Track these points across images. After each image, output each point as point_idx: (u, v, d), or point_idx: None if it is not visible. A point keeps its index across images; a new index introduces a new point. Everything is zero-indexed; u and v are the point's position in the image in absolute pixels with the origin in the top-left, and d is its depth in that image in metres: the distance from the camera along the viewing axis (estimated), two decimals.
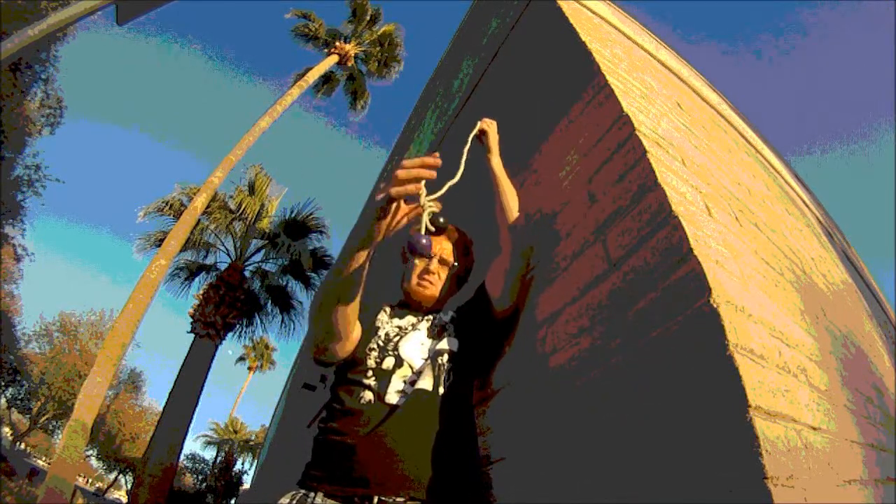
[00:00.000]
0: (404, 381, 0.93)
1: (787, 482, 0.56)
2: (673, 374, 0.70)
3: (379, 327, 1.04)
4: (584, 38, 1.38)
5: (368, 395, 0.90)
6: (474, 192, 1.66)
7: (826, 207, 3.83)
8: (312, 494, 0.81)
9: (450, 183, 0.85)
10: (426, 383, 0.92)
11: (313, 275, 10.48)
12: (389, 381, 0.92)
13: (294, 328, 10.78)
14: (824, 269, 1.81)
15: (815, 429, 0.70)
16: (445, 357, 0.97)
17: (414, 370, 0.95)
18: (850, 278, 2.35)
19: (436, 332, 1.04)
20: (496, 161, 1.19)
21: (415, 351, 0.99)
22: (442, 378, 0.94)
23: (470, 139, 1.10)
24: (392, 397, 0.90)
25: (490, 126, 1.19)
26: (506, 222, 1.11)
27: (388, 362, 0.96)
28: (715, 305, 0.67)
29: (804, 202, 2.81)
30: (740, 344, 0.65)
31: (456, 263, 1.18)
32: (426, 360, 0.97)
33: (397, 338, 1.01)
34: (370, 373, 0.94)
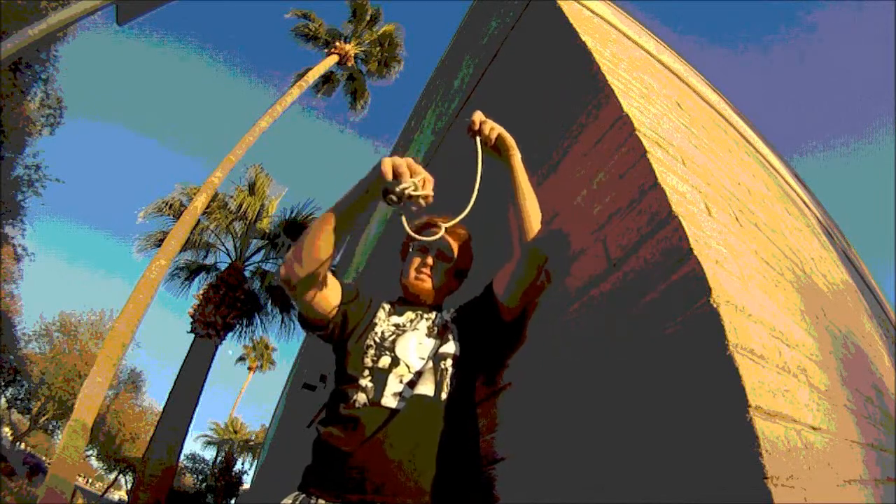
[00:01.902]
0: (401, 382, 0.91)
1: (787, 482, 0.56)
2: (673, 374, 0.70)
3: (376, 324, 1.03)
4: (584, 38, 1.38)
5: (362, 398, 0.89)
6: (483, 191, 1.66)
7: (826, 207, 3.83)
8: (314, 499, 0.80)
9: (467, 210, 0.92)
10: (427, 388, 0.90)
11: None
12: (385, 382, 0.91)
13: (294, 328, 10.78)
14: (824, 269, 1.81)
15: (815, 429, 0.70)
16: (449, 361, 0.95)
17: (411, 370, 0.93)
18: (850, 278, 2.35)
19: (437, 333, 1.03)
20: (518, 160, 1.08)
21: (412, 350, 0.97)
22: (445, 383, 0.92)
23: (479, 151, 1.02)
24: (389, 400, 0.88)
25: (491, 123, 1.07)
26: (521, 228, 1.04)
27: (385, 361, 0.95)
28: (715, 305, 0.67)
29: (804, 202, 2.81)
30: (740, 344, 0.65)
31: (455, 258, 1.17)
32: (427, 362, 0.95)
33: (394, 336, 1.00)
34: (366, 371, 0.93)
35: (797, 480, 0.58)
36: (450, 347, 0.98)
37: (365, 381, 0.92)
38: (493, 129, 1.05)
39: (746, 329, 0.70)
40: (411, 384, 0.91)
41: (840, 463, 0.72)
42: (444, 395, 0.91)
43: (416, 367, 0.94)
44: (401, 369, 0.93)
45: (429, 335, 1.02)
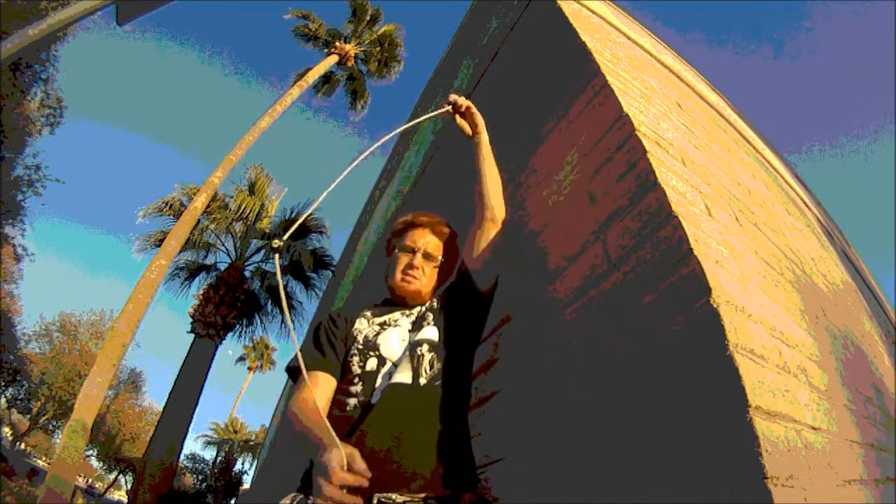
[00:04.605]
0: (388, 378, 0.92)
1: (787, 482, 0.56)
2: (673, 374, 0.70)
3: (357, 335, 1.02)
4: (584, 38, 1.38)
5: (353, 402, 0.90)
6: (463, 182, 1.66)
7: (826, 207, 3.83)
8: (312, 499, 0.81)
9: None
10: (404, 376, 0.90)
11: (313, 275, 10.48)
12: (375, 382, 0.92)
13: (294, 328, 10.79)
14: (824, 269, 1.81)
15: (815, 429, 0.70)
16: (425, 347, 0.95)
17: (392, 363, 0.94)
18: (850, 278, 2.35)
19: (419, 325, 1.03)
20: (486, 138, 1.17)
21: (395, 346, 0.97)
22: (422, 369, 0.91)
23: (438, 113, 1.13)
24: (377, 397, 0.89)
25: (462, 100, 1.15)
26: (485, 196, 1.11)
27: (371, 363, 0.95)
28: (715, 305, 0.67)
29: (804, 202, 2.81)
30: (740, 344, 0.65)
31: (441, 258, 1.17)
32: (404, 351, 0.95)
33: (376, 336, 1.00)
34: (356, 379, 0.93)
35: (797, 480, 0.58)
36: (425, 333, 0.98)
37: (356, 388, 0.92)
38: (465, 102, 1.16)
39: (746, 329, 0.70)
40: (390, 374, 0.92)
41: (840, 463, 0.72)
42: (423, 381, 0.90)
43: (395, 358, 0.95)
44: (387, 367, 0.94)
45: (412, 329, 1.02)
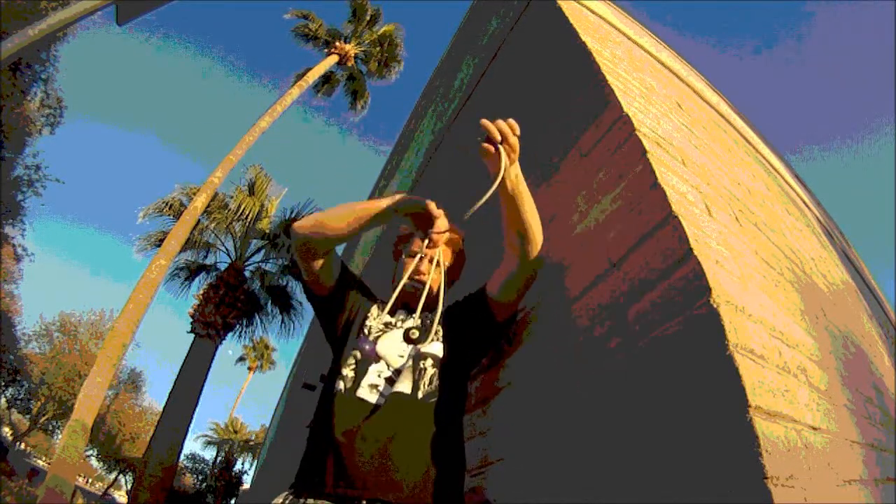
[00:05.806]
0: (379, 377, 0.93)
1: (787, 482, 0.56)
2: (673, 374, 0.70)
3: (366, 319, 1.06)
4: (584, 38, 1.38)
5: (340, 385, 0.93)
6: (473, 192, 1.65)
7: (826, 207, 3.83)
8: (303, 499, 0.82)
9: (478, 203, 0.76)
10: (405, 386, 0.92)
11: None
12: (365, 374, 0.94)
13: (294, 328, 10.78)
14: (824, 269, 1.81)
15: (815, 429, 0.70)
16: (429, 361, 0.96)
17: (390, 367, 0.95)
18: (850, 278, 2.35)
19: (422, 332, 1.03)
20: (518, 166, 0.89)
21: (392, 347, 0.98)
22: (422, 382, 0.93)
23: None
24: (363, 391, 0.91)
25: (503, 126, 0.85)
26: (522, 235, 0.92)
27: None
28: (715, 305, 0.67)
29: (804, 202, 2.81)
30: (740, 344, 0.65)
31: (448, 264, 1.16)
32: (407, 360, 0.96)
33: (379, 333, 1.02)
34: (351, 360, 0.97)
35: (797, 480, 0.58)
36: (432, 348, 0.98)
37: (347, 371, 0.95)
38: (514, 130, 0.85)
39: (746, 329, 0.70)
40: (391, 381, 0.93)
41: (840, 463, 0.72)
42: (420, 394, 0.92)
43: (396, 364, 0.95)
44: (380, 366, 0.95)
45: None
